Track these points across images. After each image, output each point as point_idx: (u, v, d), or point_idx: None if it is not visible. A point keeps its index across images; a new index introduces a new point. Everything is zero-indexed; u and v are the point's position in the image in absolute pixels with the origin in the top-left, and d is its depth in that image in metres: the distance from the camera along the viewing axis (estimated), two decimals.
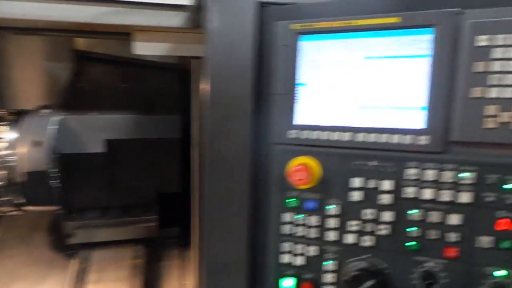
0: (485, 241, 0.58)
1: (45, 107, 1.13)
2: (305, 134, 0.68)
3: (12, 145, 1.05)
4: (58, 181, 1.07)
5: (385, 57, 0.62)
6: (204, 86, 0.72)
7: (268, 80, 0.70)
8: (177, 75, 1.33)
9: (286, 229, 0.70)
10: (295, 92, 0.68)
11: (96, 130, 1.11)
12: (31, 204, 1.09)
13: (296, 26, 0.67)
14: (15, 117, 1.09)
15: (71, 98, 1.17)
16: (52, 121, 1.07)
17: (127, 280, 1.18)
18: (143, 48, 1.05)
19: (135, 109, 1.16)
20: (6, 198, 1.05)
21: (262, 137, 0.71)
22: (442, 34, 0.57)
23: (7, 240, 1.29)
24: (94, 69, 1.32)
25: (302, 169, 0.66)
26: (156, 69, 1.35)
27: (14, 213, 1.11)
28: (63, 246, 1.26)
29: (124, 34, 1.02)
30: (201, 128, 1.04)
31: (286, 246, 0.70)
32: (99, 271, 1.21)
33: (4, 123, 1.07)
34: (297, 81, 0.68)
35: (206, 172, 0.72)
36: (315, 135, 0.67)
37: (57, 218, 1.19)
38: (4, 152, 1.03)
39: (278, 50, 0.68)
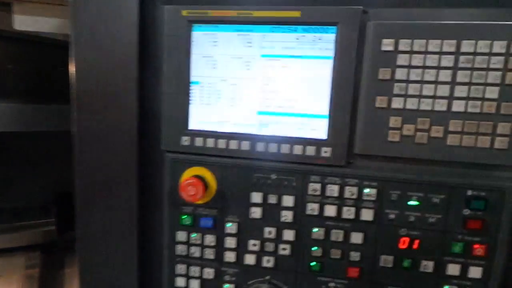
0: (388, 260, 0.54)
1: None
2: (199, 142, 0.58)
3: None
4: None
5: (285, 56, 0.54)
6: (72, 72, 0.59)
7: (157, 75, 0.59)
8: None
9: (182, 249, 0.61)
10: (189, 92, 0.58)
11: None
12: None
13: (188, 12, 0.56)
14: None
15: None
16: None
17: None
18: (24, 23, 0.88)
19: (23, 95, 0.98)
20: None
21: (152, 143, 0.60)
22: (345, 34, 0.50)
23: None
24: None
25: (194, 183, 0.57)
26: (45, 47, 1.16)
27: None
28: None
29: (5, 4, 0.84)
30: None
31: (181, 268, 0.61)
32: None
33: None
34: (190, 79, 0.58)
35: (78, 184, 0.61)
36: (210, 143, 0.58)
37: None
38: None
39: (167, 40, 0.57)
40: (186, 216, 0.60)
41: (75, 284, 1.13)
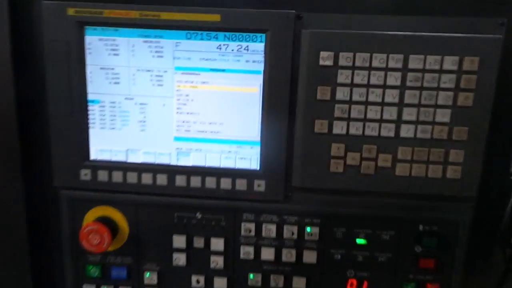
0: None
1: None
2: (103, 175, 0.46)
3: None
4: None
5: (205, 69, 0.43)
6: None
7: (42, 91, 0.46)
8: None
9: None
10: (87, 113, 0.46)
11: None
12: None
13: (76, 11, 0.43)
14: None
15: None
16: None
17: None
18: None
19: None
20: None
21: (42, 178, 0.47)
22: (276, 43, 0.41)
23: None
24: None
25: (98, 230, 0.45)
26: None
27: None
28: None
29: None
30: None
31: None
32: None
33: None
34: (87, 97, 0.46)
35: None
36: (118, 176, 0.46)
37: None
38: None
39: (49, 46, 0.44)
40: (92, 266, 0.48)
41: None
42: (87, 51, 0.45)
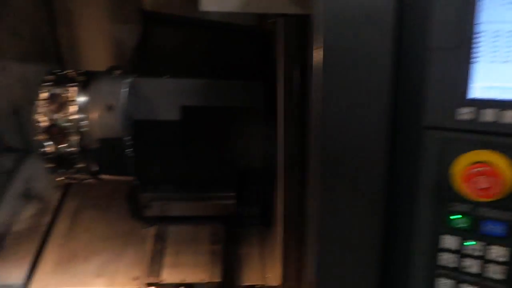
0: None
1: (115, 68, 0.99)
2: (488, 115, 0.42)
3: (83, 108, 0.93)
4: (132, 149, 0.95)
5: None
6: (317, 51, 0.48)
7: (422, 27, 0.44)
8: (251, 36, 1.12)
9: (448, 259, 0.46)
10: (473, 45, 0.42)
11: (171, 95, 0.96)
12: (105, 172, 0.99)
13: None
14: (85, 78, 0.97)
15: (141, 60, 1.03)
16: (124, 84, 0.93)
17: (205, 266, 1.05)
18: (211, 3, 0.84)
19: (210, 74, 0.98)
20: (81, 165, 0.96)
21: (408, 118, 0.46)
22: None
23: (83, 211, 1.23)
24: (163, 31, 1.16)
25: (488, 172, 0.40)
26: (229, 31, 1.15)
27: (90, 181, 1.03)
28: (140, 218, 1.16)
29: None
30: (289, 99, 0.85)
31: (445, 284, 0.46)
32: (176, 254, 1.09)
33: (74, 84, 0.95)
34: (476, 27, 0.41)
35: (315, 166, 0.50)
36: (508, 116, 0.41)
37: (133, 189, 1.09)
38: (76, 116, 0.92)
39: None
40: (460, 216, 0.44)
41: (253, 262, 1.12)
42: None
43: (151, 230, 1.17)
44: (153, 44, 1.09)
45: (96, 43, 1.26)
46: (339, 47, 0.46)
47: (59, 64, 1.25)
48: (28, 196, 1.24)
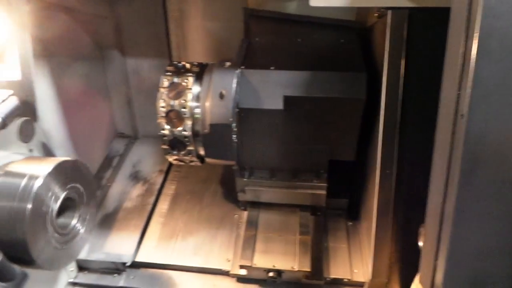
0: None
1: (225, 60, 1.09)
2: None
3: (198, 96, 1.03)
4: (236, 136, 1.02)
5: None
6: (457, 42, 0.47)
7: None
8: (348, 30, 1.16)
9: None
10: None
11: (276, 85, 1.02)
12: (210, 156, 1.07)
13: None
14: (199, 69, 1.07)
15: (245, 54, 1.11)
16: (235, 75, 1.02)
17: (294, 255, 1.09)
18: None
19: (311, 67, 1.04)
20: (191, 148, 1.05)
21: None
22: None
23: (181, 195, 1.34)
24: (264, 26, 1.24)
25: None
26: (326, 25, 1.21)
27: (194, 163, 1.11)
28: (234, 202, 1.26)
29: None
30: (392, 92, 0.87)
31: None
32: (266, 241, 1.14)
33: (190, 74, 1.06)
34: None
35: (447, 165, 0.49)
36: None
37: (231, 173, 1.15)
38: (192, 104, 1.03)
39: None
40: None
41: (341, 255, 1.13)
42: None
43: (243, 216, 1.25)
44: (256, 39, 1.17)
45: (201, 39, 1.39)
46: (496, 35, 0.43)
47: (169, 58, 1.38)
48: (135, 177, 1.37)
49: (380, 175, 0.91)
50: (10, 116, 0.81)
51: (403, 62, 0.86)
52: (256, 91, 1.02)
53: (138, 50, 1.40)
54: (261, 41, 1.15)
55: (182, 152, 1.07)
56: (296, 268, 1.04)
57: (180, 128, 1.03)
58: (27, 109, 0.88)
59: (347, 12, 1.19)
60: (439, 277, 0.53)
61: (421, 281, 0.59)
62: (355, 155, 1.08)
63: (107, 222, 1.22)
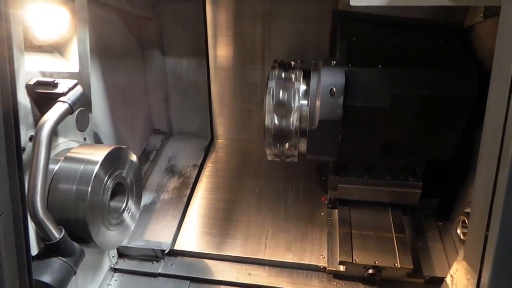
0: None
1: (331, 59, 1.09)
2: None
3: (305, 92, 1.03)
4: (341, 133, 1.01)
5: None
6: None
7: None
8: (447, 32, 1.14)
9: None
10: None
11: (384, 83, 1.01)
12: (312, 152, 1.06)
13: None
14: (304, 66, 1.08)
15: (348, 53, 1.11)
16: (343, 73, 1.02)
17: (394, 253, 1.07)
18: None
19: (417, 65, 1.03)
20: (293, 143, 1.05)
21: None
22: None
23: (266, 192, 1.35)
24: (355, 27, 1.23)
25: None
26: (422, 27, 1.17)
27: (291, 159, 1.11)
28: (328, 200, 1.25)
29: None
30: (500, 92, 0.86)
31: None
32: (362, 238, 1.13)
33: (298, 70, 1.06)
34: None
35: None
36: None
37: (328, 169, 1.15)
38: (300, 99, 1.03)
39: None
40: None
41: (437, 256, 1.10)
42: None
43: (334, 214, 1.24)
44: (353, 39, 1.17)
45: (286, 39, 1.41)
46: None
47: (206, 59, 1.45)
48: (171, 171, 1.45)
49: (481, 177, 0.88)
50: (77, 104, 0.83)
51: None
52: (364, 89, 1.02)
53: (177, 50, 1.45)
54: (359, 41, 1.15)
55: (286, 146, 1.07)
56: (398, 265, 1.03)
57: (287, 121, 1.03)
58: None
59: (439, 12, 1.17)
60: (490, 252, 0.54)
61: (465, 258, 0.61)
62: (453, 154, 1.06)
63: (146, 212, 1.26)
